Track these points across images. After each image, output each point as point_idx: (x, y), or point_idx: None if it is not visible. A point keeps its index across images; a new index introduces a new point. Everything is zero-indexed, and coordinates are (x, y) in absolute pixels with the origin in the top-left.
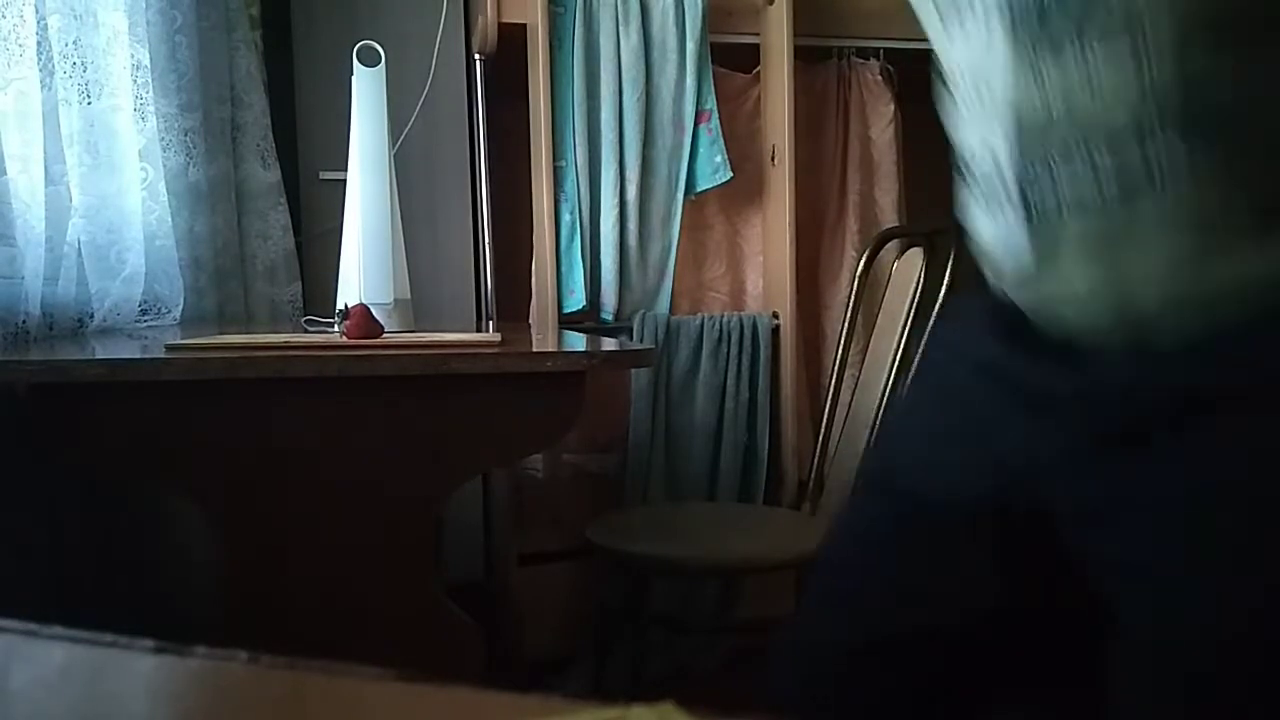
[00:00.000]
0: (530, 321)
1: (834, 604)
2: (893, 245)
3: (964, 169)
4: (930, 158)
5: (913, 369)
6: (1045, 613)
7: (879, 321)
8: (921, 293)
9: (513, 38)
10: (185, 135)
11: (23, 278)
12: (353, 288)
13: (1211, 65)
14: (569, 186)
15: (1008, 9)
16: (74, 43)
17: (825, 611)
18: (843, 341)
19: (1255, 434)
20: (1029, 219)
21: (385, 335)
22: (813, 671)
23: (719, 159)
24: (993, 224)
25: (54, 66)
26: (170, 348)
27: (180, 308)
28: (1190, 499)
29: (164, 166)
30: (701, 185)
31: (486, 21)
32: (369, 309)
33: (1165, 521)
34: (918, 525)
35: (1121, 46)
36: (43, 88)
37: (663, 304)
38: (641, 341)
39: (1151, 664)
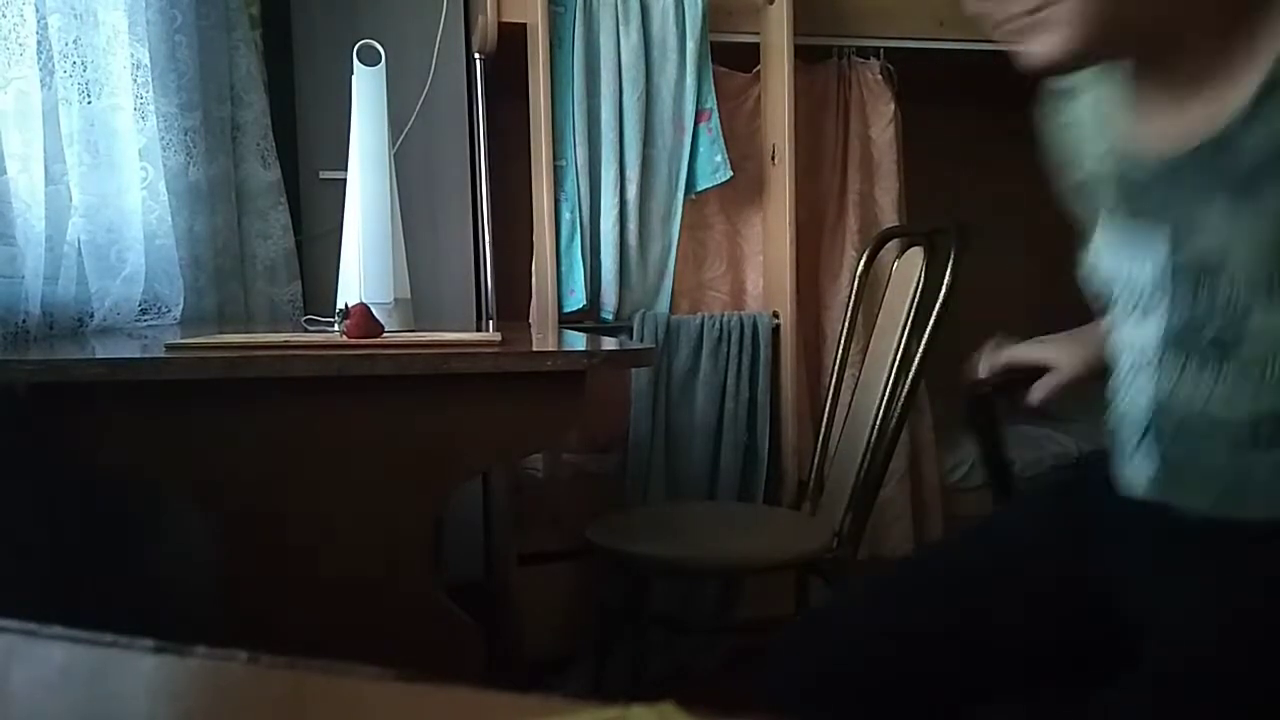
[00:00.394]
0: (530, 321)
1: (873, 596)
2: (893, 245)
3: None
4: (930, 158)
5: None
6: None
7: (879, 321)
8: (921, 292)
9: (513, 37)
10: (185, 135)
11: (23, 277)
12: (353, 288)
13: None
14: (569, 186)
15: (1171, 328)
16: (74, 42)
17: (861, 601)
18: (843, 341)
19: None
20: (1155, 460)
21: (385, 335)
22: (819, 666)
23: (719, 159)
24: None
25: (54, 66)
26: (170, 347)
27: (180, 307)
28: (1216, 587)
29: (164, 166)
30: (701, 185)
31: (486, 21)
32: (369, 308)
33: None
34: (989, 549)
35: (1251, 377)
36: (43, 87)
37: (663, 303)
38: (641, 341)
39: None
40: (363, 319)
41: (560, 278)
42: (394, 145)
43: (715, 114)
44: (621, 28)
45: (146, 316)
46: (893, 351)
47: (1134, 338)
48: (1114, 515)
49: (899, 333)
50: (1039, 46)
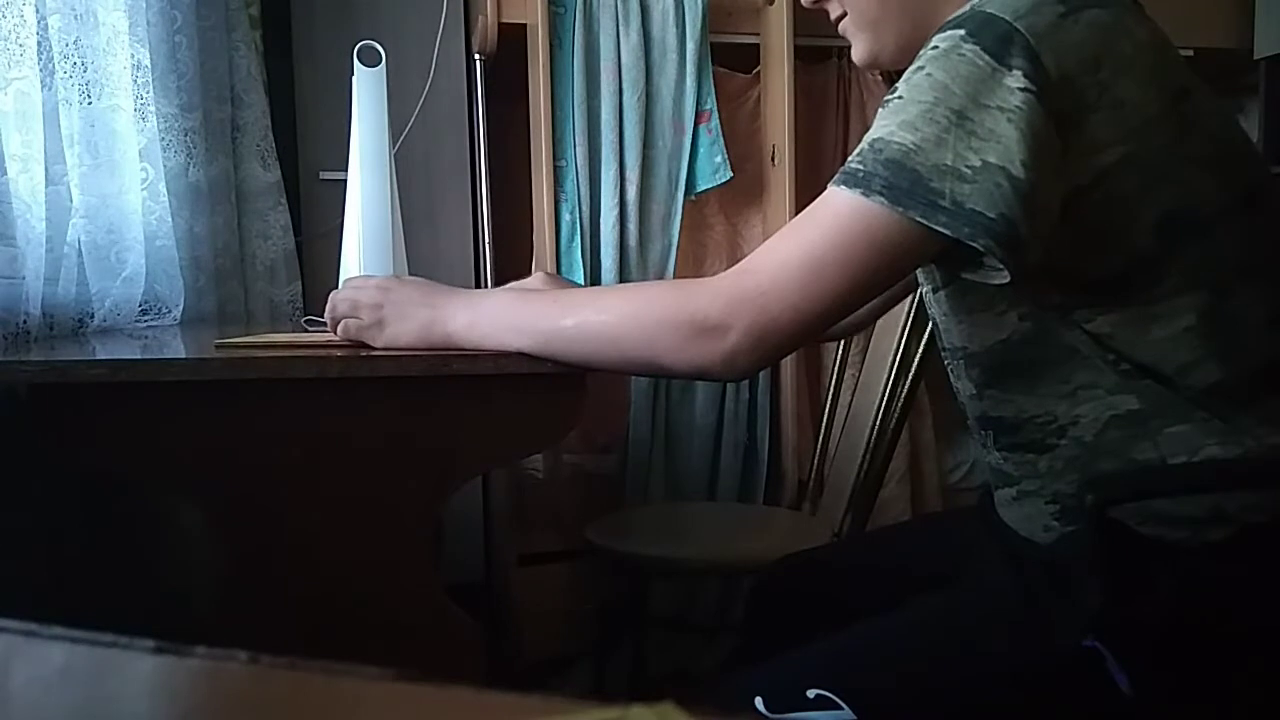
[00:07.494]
0: None
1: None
2: None
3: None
4: None
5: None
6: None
7: (879, 321)
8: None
9: (513, 38)
10: (185, 135)
11: (23, 278)
12: None
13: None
14: (569, 186)
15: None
16: (74, 43)
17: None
18: (843, 342)
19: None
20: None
21: None
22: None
23: (719, 159)
24: None
25: (54, 66)
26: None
27: (180, 308)
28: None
29: (164, 166)
30: (701, 185)
31: (486, 21)
32: None
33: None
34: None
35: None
36: (43, 88)
37: None
38: None
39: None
40: None
41: None
42: (394, 145)
43: (715, 115)
44: (621, 28)
45: (147, 317)
46: (893, 351)
47: None
48: None
49: (899, 333)
50: (855, 55)
